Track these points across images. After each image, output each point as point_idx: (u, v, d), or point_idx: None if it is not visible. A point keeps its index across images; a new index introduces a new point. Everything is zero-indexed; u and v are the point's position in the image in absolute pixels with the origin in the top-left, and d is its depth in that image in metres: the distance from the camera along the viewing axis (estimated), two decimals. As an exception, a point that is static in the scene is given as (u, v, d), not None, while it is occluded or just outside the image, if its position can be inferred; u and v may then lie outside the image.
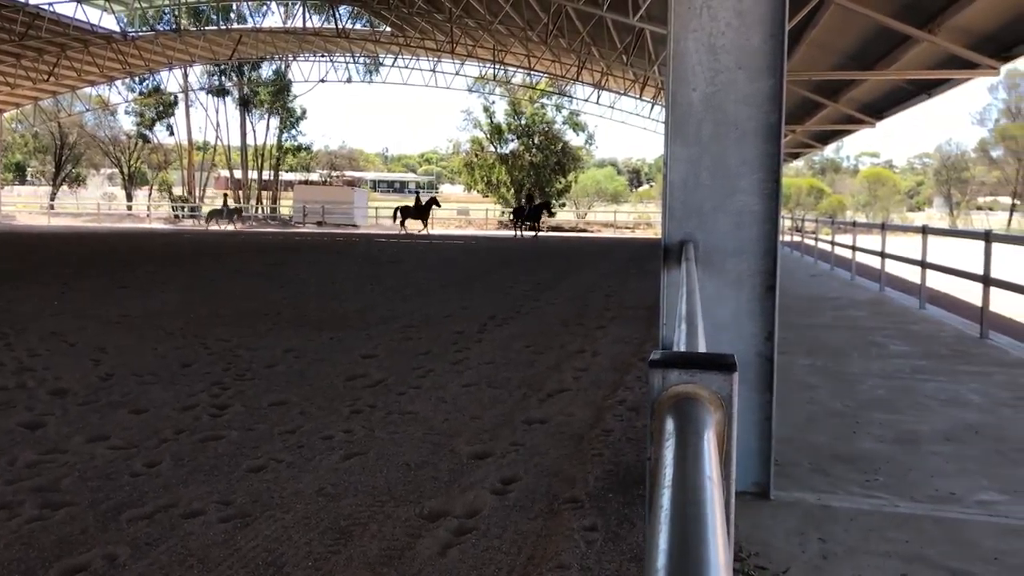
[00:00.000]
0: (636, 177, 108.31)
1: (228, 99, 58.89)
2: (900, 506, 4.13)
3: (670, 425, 1.15)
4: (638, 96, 44.80)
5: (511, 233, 43.59)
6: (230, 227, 44.66)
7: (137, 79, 53.89)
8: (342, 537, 3.79)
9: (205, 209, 57.61)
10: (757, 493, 4.27)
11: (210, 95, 58.28)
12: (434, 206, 42.50)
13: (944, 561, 3.50)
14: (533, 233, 40.70)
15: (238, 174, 61.16)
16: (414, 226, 42.60)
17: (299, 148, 62.87)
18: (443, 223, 57.41)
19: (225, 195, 50.77)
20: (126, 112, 59.27)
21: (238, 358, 8.00)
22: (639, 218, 62.39)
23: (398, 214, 42.50)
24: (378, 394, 6.60)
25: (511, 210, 47.21)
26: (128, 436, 5.33)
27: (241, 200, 58.20)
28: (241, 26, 46.13)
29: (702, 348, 2.16)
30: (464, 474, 4.69)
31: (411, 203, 43.46)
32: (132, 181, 63.29)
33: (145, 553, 3.58)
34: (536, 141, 57.20)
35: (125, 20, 43.45)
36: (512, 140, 57.96)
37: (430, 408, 6.18)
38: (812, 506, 4.14)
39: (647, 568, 0.78)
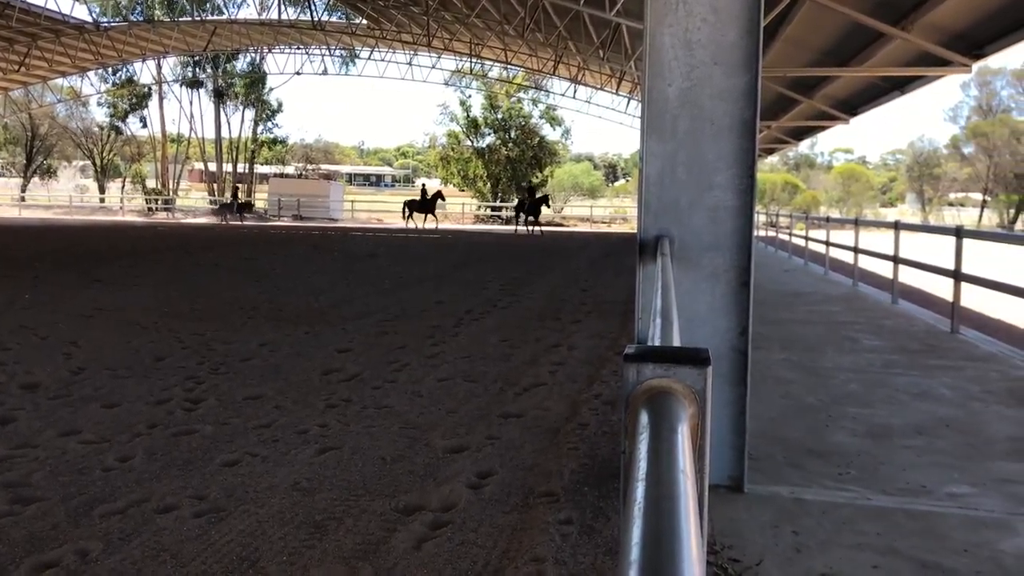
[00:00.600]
0: (612, 172, 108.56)
1: (202, 91, 58.45)
2: (872, 499, 4.18)
3: (644, 419, 1.16)
4: (615, 91, 44.93)
5: (487, 228, 43.30)
6: (237, 221, 43.71)
7: (110, 70, 53.38)
8: (317, 531, 3.78)
9: (179, 202, 57.15)
10: (731, 486, 4.30)
11: (184, 87, 57.82)
12: (440, 200, 39.84)
13: (916, 553, 3.54)
14: (535, 228, 38.20)
15: (213, 167, 60.69)
16: (419, 220, 40.62)
17: (274, 141, 62.53)
18: (419, 217, 57.23)
19: (235, 187, 50.07)
20: (99, 103, 58.69)
21: (212, 352, 7.95)
22: (615, 213, 62.57)
23: (405, 209, 40.32)
24: (353, 388, 6.58)
25: (514, 204, 44.25)
26: (100, 430, 5.28)
27: (216, 193, 57.74)
28: (216, 17, 45.76)
29: (677, 342, 2.17)
30: (440, 468, 4.68)
31: (417, 197, 41.26)
32: (105, 173, 62.66)
33: (118, 548, 3.55)
34: (512, 135, 57.23)
35: (98, 10, 43.02)
36: (489, 134, 57.97)
37: (406, 402, 6.17)
38: (785, 499, 4.17)
39: (621, 561, 0.78)
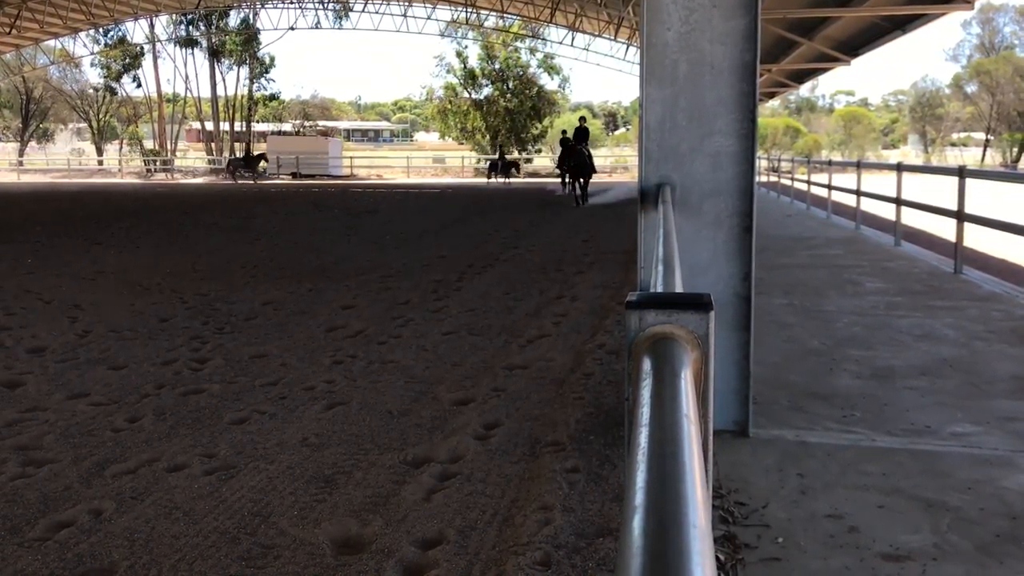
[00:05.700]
0: (612, 120, 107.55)
1: (196, 50, 57.73)
2: (876, 440, 4.20)
3: (647, 365, 1.16)
4: (613, 37, 44.37)
5: (488, 181, 42.98)
6: (248, 180, 42.84)
7: (102, 30, 52.69)
8: (327, 486, 3.82)
9: (178, 162, 56.84)
10: (736, 431, 4.32)
11: (178, 46, 57.07)
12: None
13: (920, 492, 3.57)
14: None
15: (210, 126, 60.23)
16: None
17: (271, 98, 61.92)
18: (419, 172, 56.93)
19: (247, 145, 49.44)
20: (92, 65, 58.07)
21: (216, 311, 7.97)
22: (616, 162, 62.03)
23: (565, 175, 36.34)
24: (359, 344, 6.61)
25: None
26: (109, 392, 5.31)
27: (214, 152, 57.36)
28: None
29: (679, 290, 2.17)
30: (447, 420, 4.72)
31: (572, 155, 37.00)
32: (102, 135, 62.26)
33: (130, 507, 3.60)
34: (511, 86, 56.53)
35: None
36: (486, 85, 57.26)
37: (411, 357, 6.20)
38: (790, 443, 4.20)
39: (626, 506, 0.79)
